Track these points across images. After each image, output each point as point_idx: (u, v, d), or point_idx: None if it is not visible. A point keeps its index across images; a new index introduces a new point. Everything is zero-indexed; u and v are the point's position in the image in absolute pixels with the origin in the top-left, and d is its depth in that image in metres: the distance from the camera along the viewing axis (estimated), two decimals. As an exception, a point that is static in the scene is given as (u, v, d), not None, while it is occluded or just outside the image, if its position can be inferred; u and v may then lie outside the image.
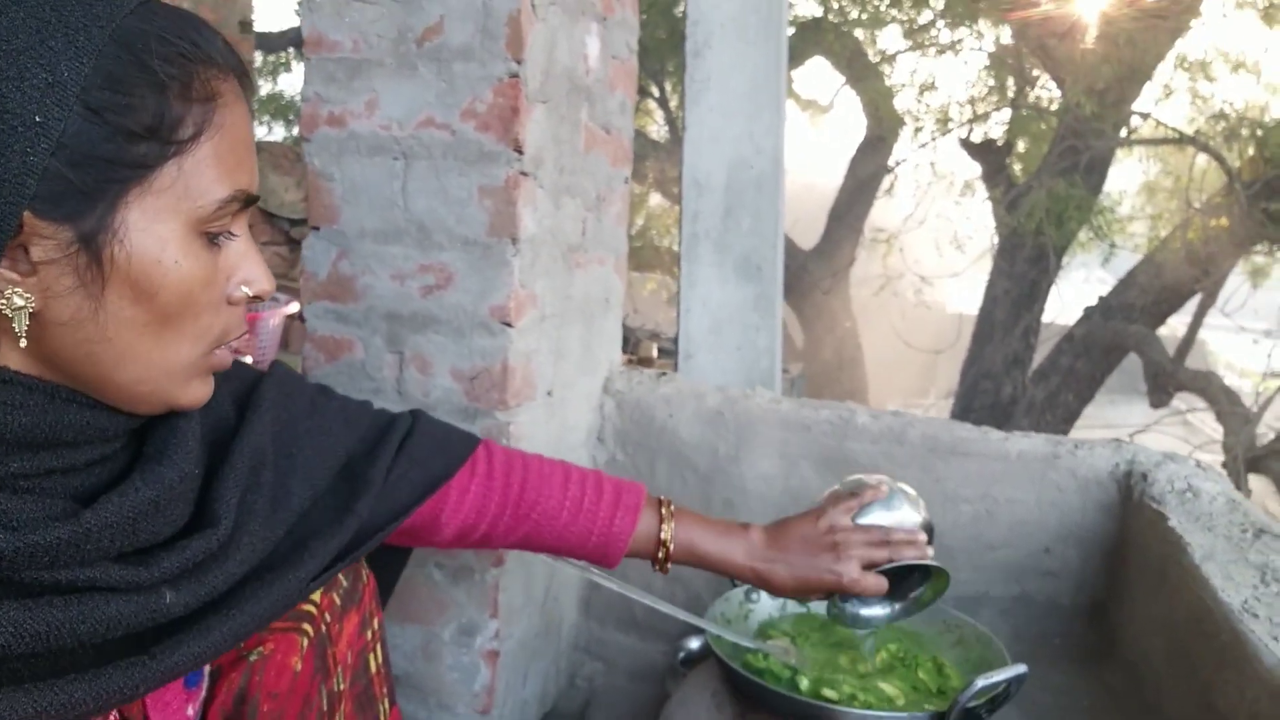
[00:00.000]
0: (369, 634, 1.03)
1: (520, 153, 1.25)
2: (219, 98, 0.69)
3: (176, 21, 0.68)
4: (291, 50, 7.56)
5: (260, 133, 7.55)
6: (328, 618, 0.95)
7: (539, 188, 1.31)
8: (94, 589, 0.67)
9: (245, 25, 5.50)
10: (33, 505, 0.66)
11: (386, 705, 1.07)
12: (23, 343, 0.64)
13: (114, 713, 0.75)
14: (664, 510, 1.13)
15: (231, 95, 0.71)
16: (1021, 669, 1.07)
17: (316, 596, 0.93)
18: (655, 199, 8.65)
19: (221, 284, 0.73)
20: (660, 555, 1.12)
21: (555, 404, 1.46)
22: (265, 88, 8.35)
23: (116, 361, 0.68)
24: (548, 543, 1.11)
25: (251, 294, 0.74)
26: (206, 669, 0.87)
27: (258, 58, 7.40)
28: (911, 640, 1.31)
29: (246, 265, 0.74)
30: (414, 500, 1.01)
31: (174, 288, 0.68)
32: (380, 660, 1.05)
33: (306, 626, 0.91)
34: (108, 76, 0.63)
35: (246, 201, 0.72)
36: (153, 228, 0.66)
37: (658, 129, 8.36)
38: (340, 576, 0.97)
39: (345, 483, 0.95)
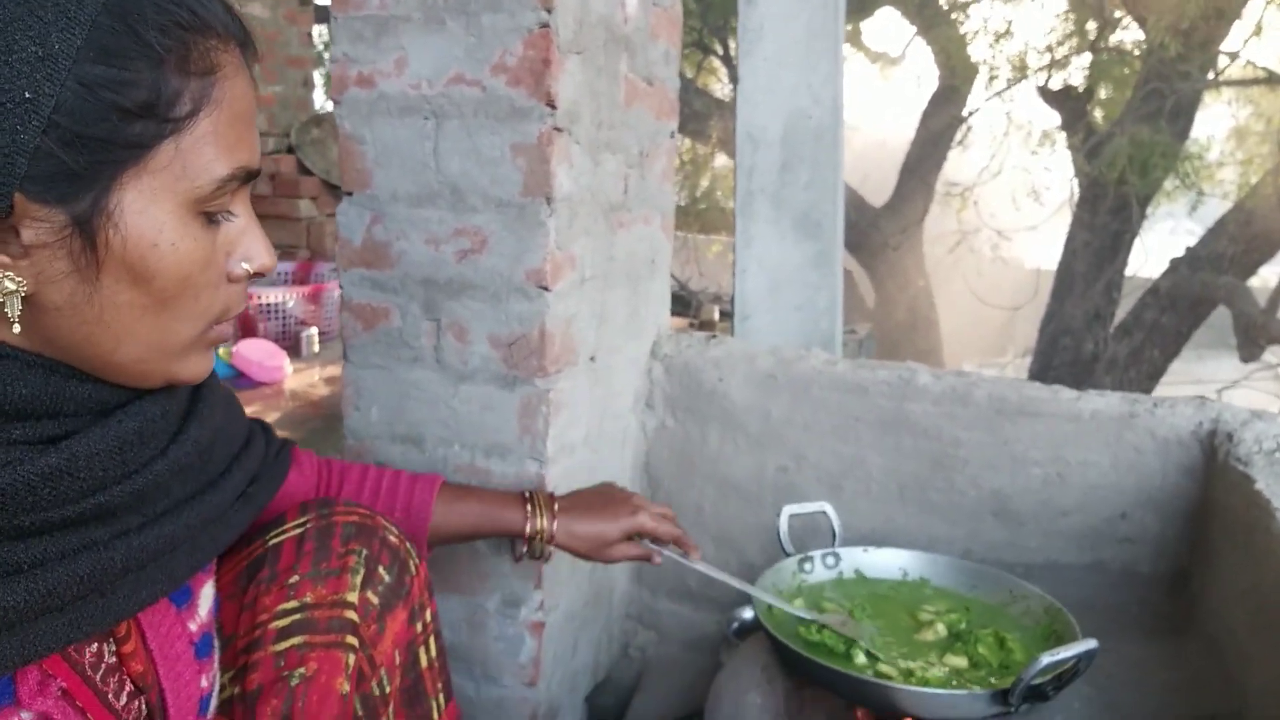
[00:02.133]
0: (419, 626, 0.98)
1: (553, 107, 1.19)
2: (219, 70, 0.66)
3: None
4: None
5: (330, 105, 7.61)
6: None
7: (575, 144, 1.26)
8: (85, 521, 0.66)
9: (305, -2, 5.53)
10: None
11: (441, 701, 1.03)
12: (16, 328, 0.63)
13: (127, 685, 0.74)
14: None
15: (232, 67, 0.68)
16: (1092, 644, 1.00)
17: (354, 598, 0.89)
18: (721, 159, 8.52)
19: (221, 262, 0.71)
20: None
21: (599, 369, 1.42)
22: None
23: (115, 343, 0.66)
24: None
25: (252, 270, 0.72)
26: (216, 639, 0.85)
27: (321, 31, 7.44)
28: (971, 611, 1.24)
29: (246, 241, 0.72)
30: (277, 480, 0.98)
31: (171, 271, 0.66)
32: (434, 654, 1.01)
33: (351, 639, 0.87)
34: (101, 49, 0.60)
35: (247, 177, 0.70)
36: (149, 210, 0.64)
37: (722, 87, 8.22)
38: (381, 570, 0.93)
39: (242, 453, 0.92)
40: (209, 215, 0.68)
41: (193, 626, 0.81)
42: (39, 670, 0.67)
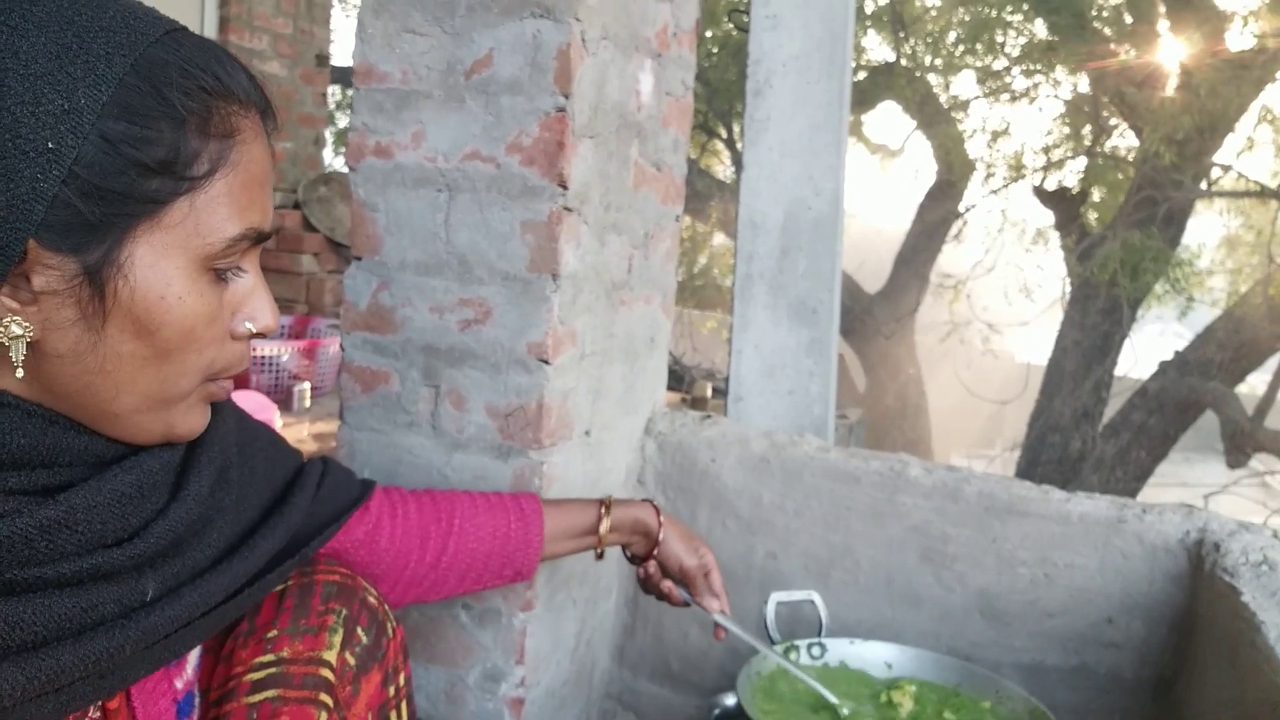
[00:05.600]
0: (392, 690, 0.98)
1: (565, 188, 1.22)
2: (238, 134, 0.68)
3: (201, 53, 0.67)
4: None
5: (339, 164, 7.72)
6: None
7: (583, 224, 1.29)
8: (81, 581, 0.66)
9: (322, 59, 5.64)
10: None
11: None
12: (19, 373, 0.63)
13: None
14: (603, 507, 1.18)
15: (251, 132, 0.70)
16: (1075, 751, 1.00)
17: (332, 657, 0.89)
18: (720, 239, 8.63)
19: (225, 319, 0.72)
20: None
21: (593, 444, 1.42)
22: (342, 120, 8.55)
23: (114, 392, 0.67)
24: (475, 545, 1.09)
25: (255, 330, 0.73)
26: (198, 696, 0.84)
27: (336, 91, 7.58)
28: (960, 710, 1.23)
29: (253, 301, 0.73)
30: (340, 513, 0.99)
31: (176, 324, 0.67)
32: (405, 718, 1.01)
33: (325, 697, 0.86)
34: (125, 107, 0.62)
35: (258, 238, 0.71)
36: (159, 264, 0.65)
37: (725, 169, 8.37)
38: (360, 632, 0.93)
39: (282, 502, 0.92)
40: (218, 272, 0.69)
41: (179, 684, 0.81)
42: None
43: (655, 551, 1.19)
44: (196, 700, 0.84)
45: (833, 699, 1.21)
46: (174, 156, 0.64)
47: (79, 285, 0.63)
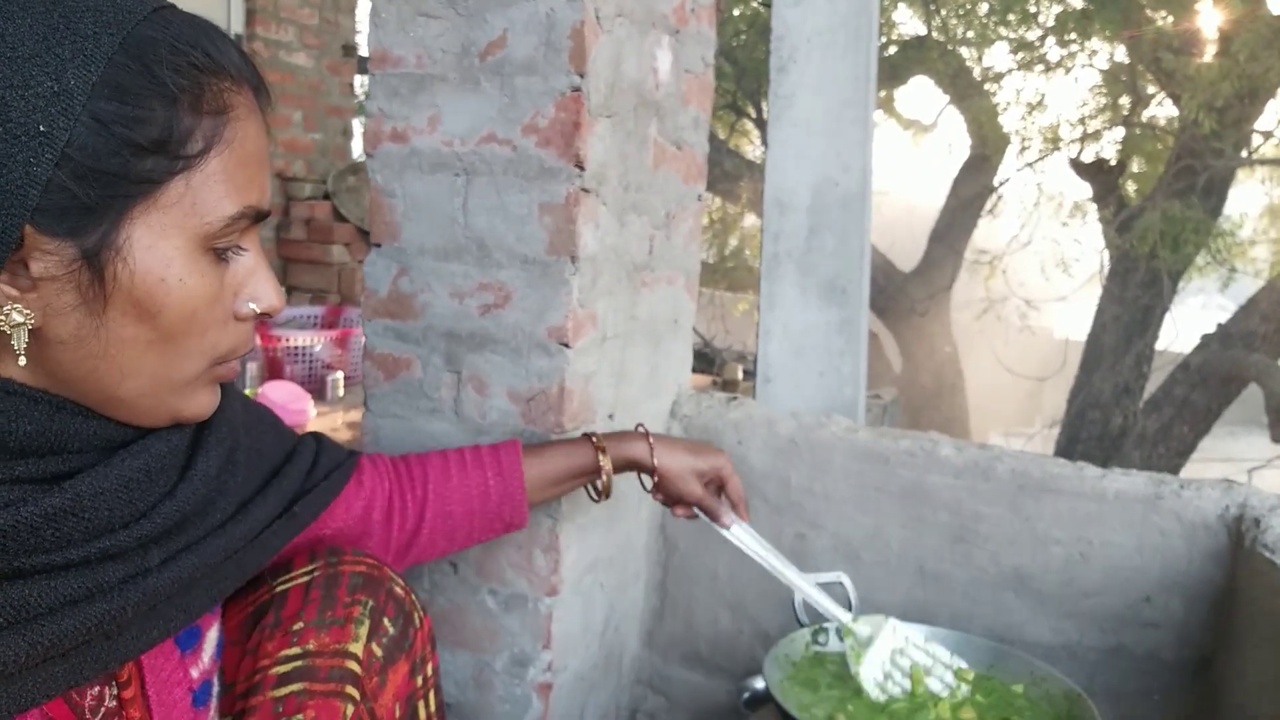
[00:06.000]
0: (419, 680, 0.98)
1: (582, 169, 1.21)
2: (231, 111, 0.67)
3: (190, 30, 0.66)
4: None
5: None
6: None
7: (601, 205, 1.27)
8: (89, 563, 0.66)
9: (349, 50, 5.66)
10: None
11: None
12: (21, 360, 0.63)
13: None
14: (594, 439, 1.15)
15: (245, 109, 0.69)
16: (1110, 733, 0.97)
17: (358, 649, 0.88)
18: (750, 219, 8.57)
19: (228, 300, 0.71)
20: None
21: (616, 428, 1.41)
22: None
23: (120, 377, 0.67)
24: (452, 507, 1.08)
25: (259, 311, 0.73)
26: (216, 686, 0.84)
27: (362, 81, 7.58)
28: (992, 693, 1.21)
29: (254, 281, 0.72)
30: (329, 473, 0.99)
31: (178, 307, 0.66)
32: (433, 708, 1.00)
33: (351, 690, 0.86)
34: (116, 87, 0.61)
35: (256, 217, 0.70)
36: (158, 245, 0.65)
37: (754, 149, 8.30)
38: (386, 622, 0.92)
39: (278, 474, 0.92)
40: (218, 253, 0.69)
41: (194, 672, 0.81)
42: (40, 714, 0.66)
43: (656, 484, 1.18)
44: (214, 689, 0.84)
45: (845, 618, 1.24)
46: (167, 135, 0.63)
47: (78, 270, 0.62)
